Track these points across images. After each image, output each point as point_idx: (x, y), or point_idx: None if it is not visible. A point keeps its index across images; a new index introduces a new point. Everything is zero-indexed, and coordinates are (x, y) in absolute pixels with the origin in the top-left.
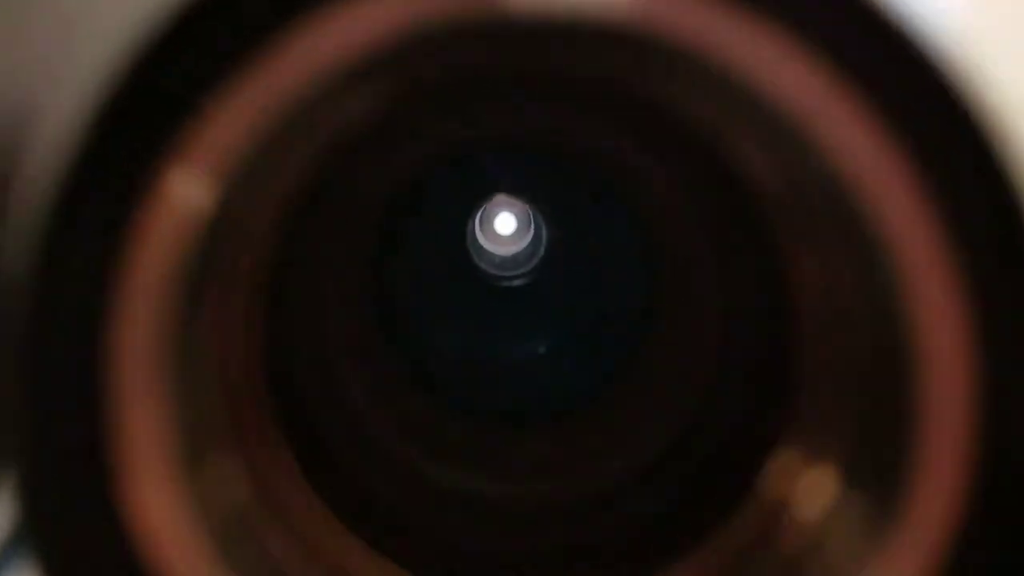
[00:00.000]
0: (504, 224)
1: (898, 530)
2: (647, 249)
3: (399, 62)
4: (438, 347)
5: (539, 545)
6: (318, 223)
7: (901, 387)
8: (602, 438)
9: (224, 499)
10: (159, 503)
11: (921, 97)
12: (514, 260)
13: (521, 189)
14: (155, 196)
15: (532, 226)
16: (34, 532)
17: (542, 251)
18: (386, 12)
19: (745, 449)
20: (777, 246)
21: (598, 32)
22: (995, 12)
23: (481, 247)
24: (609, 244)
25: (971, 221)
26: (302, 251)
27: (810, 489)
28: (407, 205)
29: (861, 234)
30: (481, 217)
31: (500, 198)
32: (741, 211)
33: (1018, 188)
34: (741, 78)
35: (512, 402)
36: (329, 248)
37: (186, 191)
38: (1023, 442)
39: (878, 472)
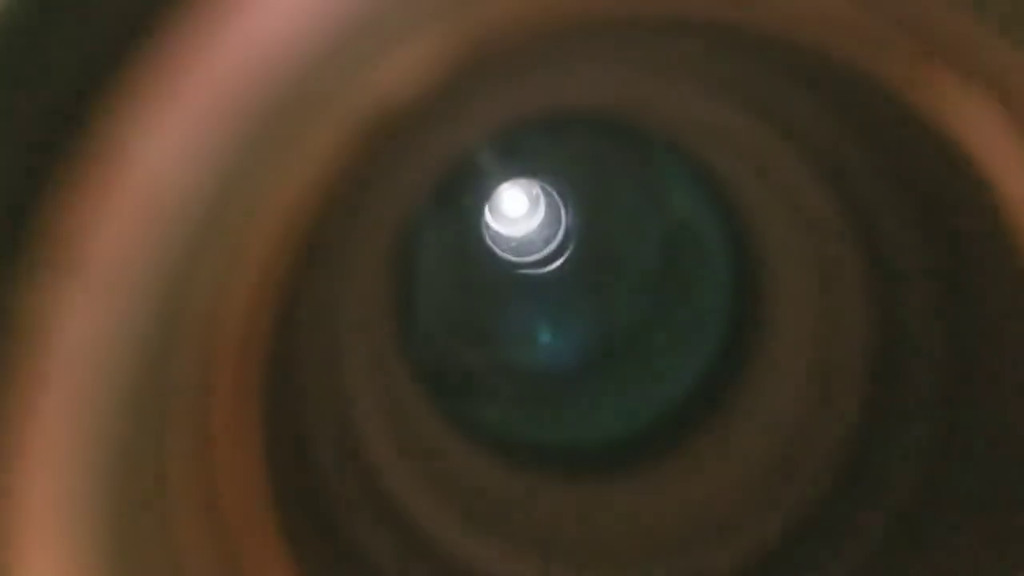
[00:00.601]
0: (512, 205)
1: None
2: (744, 255)
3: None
4: (461, 361)
5: None
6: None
7: None
8: (683, 510)
9: None
10: None
11: None
12: (529, 243)
13: (543, 171)
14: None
15: (542, 205)
16: None
17: (560, 234)
18: None
19: None
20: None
21: None
22: None
23: (495, 231)
24: (677, 237)
25: None
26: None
27: None
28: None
29: None
30: (492, 200)
31: (513, 179)
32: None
33: None
34: None
35: (544, 437)
36: (342, 262)
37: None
38: None
39: None
